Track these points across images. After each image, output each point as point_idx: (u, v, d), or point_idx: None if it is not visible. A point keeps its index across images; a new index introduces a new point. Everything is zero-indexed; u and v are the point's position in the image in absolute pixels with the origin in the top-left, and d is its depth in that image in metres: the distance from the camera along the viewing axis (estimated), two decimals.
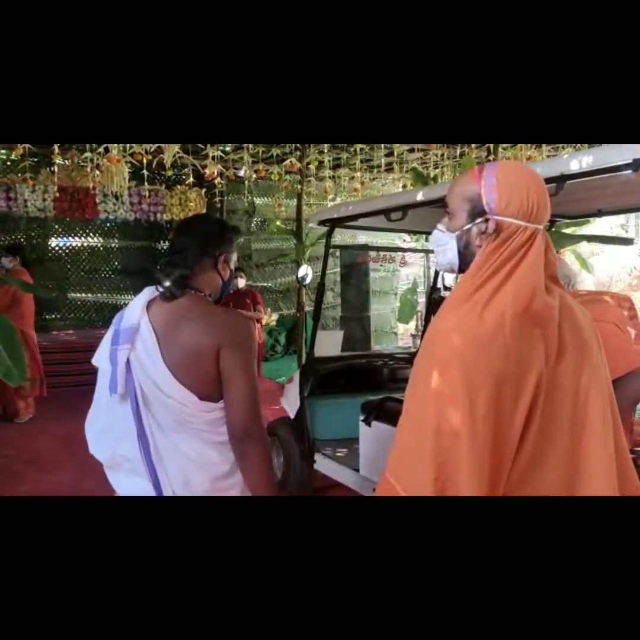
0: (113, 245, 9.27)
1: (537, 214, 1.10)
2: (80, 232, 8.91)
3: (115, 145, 4.90)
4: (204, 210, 7.77)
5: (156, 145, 4.91)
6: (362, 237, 9.50)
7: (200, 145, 5.32)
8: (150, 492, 1.51)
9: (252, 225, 10.32)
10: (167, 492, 1.50)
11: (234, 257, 1.65)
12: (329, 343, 4.13)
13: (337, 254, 9.18)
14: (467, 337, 1.03)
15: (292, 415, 3.73)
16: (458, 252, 1.15)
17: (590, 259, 8.44)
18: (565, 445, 1.04)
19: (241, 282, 6.41)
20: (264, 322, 8.96)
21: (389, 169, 7.69)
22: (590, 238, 5.41)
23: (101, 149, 5.14)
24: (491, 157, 5.50)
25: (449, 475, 1.00)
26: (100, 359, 1.56)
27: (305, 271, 3.95)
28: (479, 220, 1.11)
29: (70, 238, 8.84)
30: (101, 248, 9.16)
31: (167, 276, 1.54)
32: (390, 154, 6.82)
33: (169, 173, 5.57)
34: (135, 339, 1.50)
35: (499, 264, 1.07)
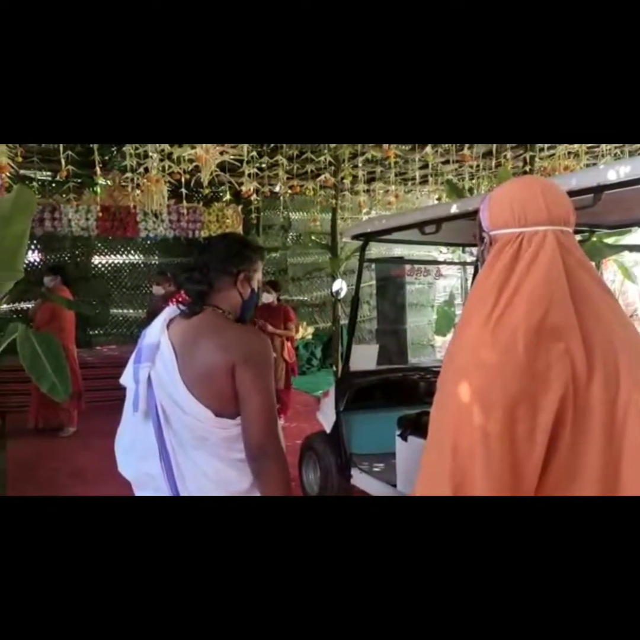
0: (153, 262, 9.48)
1: (529, 215, 1.07)
2: (122, 250, 9.16)
3: (155, 165, 5.04)
4: (241, 227, 7.90)
5: (194, 164, 5.03)
6: (398, 250, 9.48)
7: (236, 162, 5.43)
8: None
9: (288, 240, 10.43)
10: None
11: (257, 276, 1.65)
12: (365, 357, 4.12)
13: (372, 267, 9.19)
14: (480, 356, 1.01)
15: (328, 429, 3.73)
16: (475, 272, 1.19)
17: (633, 268, 8.22)
18: (600, 463, 1.01)
19: (270, 297, 6.39)
20: (299, 336, 9.02)
21: (424, 181, 7.67)
22: (633, 247, 5.27)
23: (141, 169, 5.29)
24: (528, 168, 5.43)
25: (466, 494, 0.99)
26: (126, 377, 1.59)
27: (340, 285, 3.97)
28: (484, 240, 1.15)
29: (112, 256, 9.10)
30: (142, 265, 9.38)
31: (186, 293, 1.56)
32: (425, 166, 6.81)
33: (207, 191, 5.69)
34: (156, 357, 1.52)
35: (503, 276, 1.05)
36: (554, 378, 0.99)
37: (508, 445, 0.98)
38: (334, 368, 7.43)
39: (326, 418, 3.80)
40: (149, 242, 9.00)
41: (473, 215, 2.50)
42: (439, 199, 8.22)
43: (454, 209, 2.62)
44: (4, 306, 4.21)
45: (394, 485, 3.04)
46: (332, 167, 6.40)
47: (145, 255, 9.39)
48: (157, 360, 1.53)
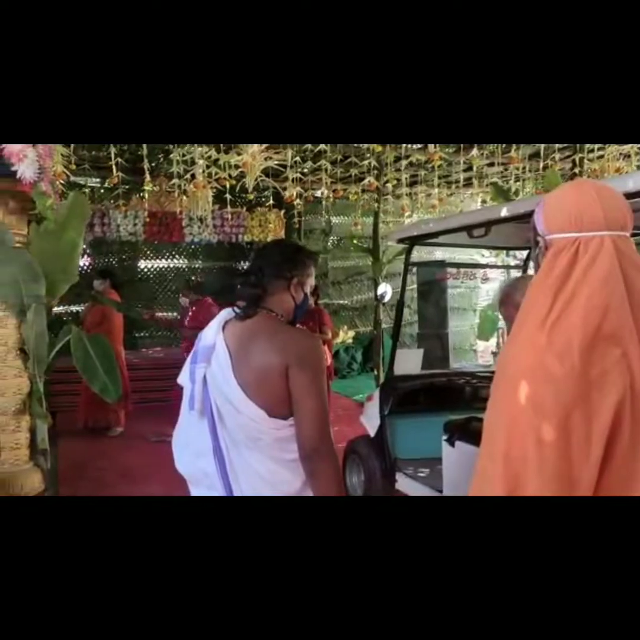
0: (197, 266, 9.66)
1: (585, 220, 1.06)
2: (167, 254, 9.36)
3: (201, 171, 5.15)
4: (283, 231, 7.97)
5: (239, 170, 5.11)
6: (439, 253, 9.40)
7: (280, 168, 5.49)
8: None
9: (329, 244, 10.47)
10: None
11: (309, 280, 1.67)
12: (409, 361, 4.10)
13: (414, 270, 9.13)
14: (534, 361, 1.01)
15: (372, 434, 3.72)
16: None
17: None
18: None
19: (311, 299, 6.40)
20: (339, 339, 9.02)
21: (468, 184, 7.59)
22: None
23: (188, 176, 5.41)
24: (577, 170, 5.32)
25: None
26: (183, 377, 1.65)
27: (385, 289, 3.97)
28: (539, 244, 1.14)
29: (158, 260, 9.30)
30: (186, 269, 9.57)
31: (241, 296, 1.62)
32: (469, 168, 6.74)
33: (251, 196, 5.77)
34: (211, 357, 1.57)
35: (559, 281, 1.04)
36: (610, 384, 0.99)
37: (562, 452, 0.97)
38: (375, 372, 7.41)
39: (370, 422, 3.79)
40: (193, 246, 9.18)
41: (524, 218, 2.47)
42: (483, 202, 8.12)
43: (504, 212, 2.59)
44: (57, 308, 4.35)
45: (440, 491, 3.01)
46: (376, 171, 6.40)
47: (190, 259, 9.57)
48: (213, 361, 1.58)
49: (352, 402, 7.61)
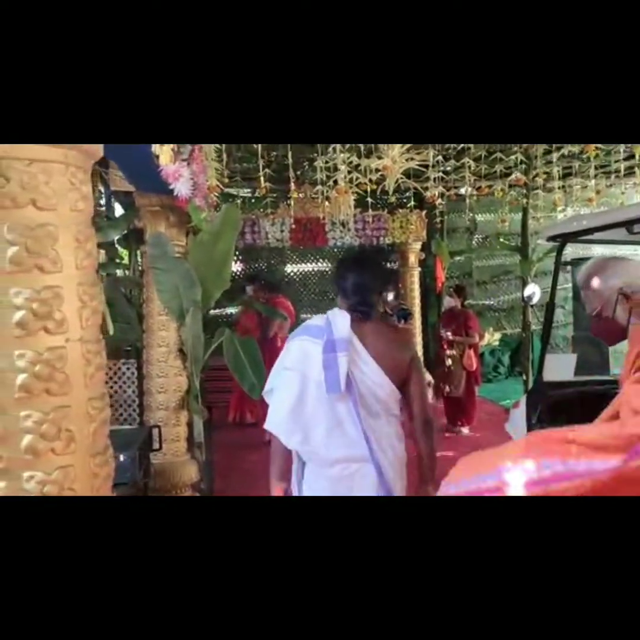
0: None
1: None
2: (311, 258, 9.69)
3: (343, 176, 5.26)
4: (425, 232, 7.86)
5: (380, 173, 5.15)
6: (598, 249, 8.66)
7: (421, 168, 5.43)
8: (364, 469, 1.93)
9: (473, 242, 10.14)
10: (385, 466, 1.94)
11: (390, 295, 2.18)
12: (560, 366, 3.83)
13: (568, 269, 8.51)
14: None
15: None
16: None
17: None
18: None
19: (452, 302, 6.23)
20: (485, 342, 8.68)
21: (630, 173, 6.90)
22: None
23: (331, 182, 5.56)
24: None
25: None
26: (308, 367, 1.96)
27: (532, 290, 3.75)
28: None
29: (302, 264, 9.67)
30: (329, 272, 9.83)
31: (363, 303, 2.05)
32: (630, 157, 6.13)
33: (392, 198, 5.77)
34: (351, 351, 1.93)
35: None
36: None
37: None
38: (524, 377, 7.02)
39: (516, 430, 3.60)
40: (336, 250, 9.40)
41: None
42: None
43: None
44: (213, 312, 4.70)
45: None
46: (523, 165, 6.07)
47: (333, 262, 9.82)
48: (353, 352, 1.94)
49: (498, 408, 7.30)
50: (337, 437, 1.91)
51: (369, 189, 5.24)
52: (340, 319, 1.98)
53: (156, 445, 3.33)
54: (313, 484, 1.98)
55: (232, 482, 4.35)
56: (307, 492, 1.97)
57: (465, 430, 6.33)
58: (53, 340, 0.97)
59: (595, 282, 1.84)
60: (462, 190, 6.76)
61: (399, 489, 2.00)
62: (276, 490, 1.99)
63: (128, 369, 4.49)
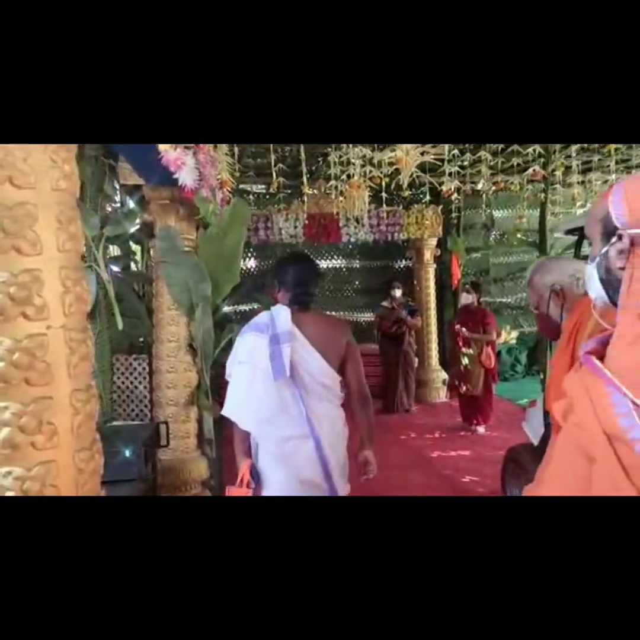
0: (354, 265, 9.79)
1: None
2: (326, 255, 9.61)
3: (357, 171, 5.18)
4: (441, 228, 7.75)
5: (394, 167, 5.05)
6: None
7: (437, 162, 5.32)
8: (306, 447, 2.18)
9: (490, 239, 9.99)
10: (323, 442, 2.18)
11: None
12: None
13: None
14: None
15: (535, 442, 3.44)
16: (600, 281, 1.00)
17: None
18: None
19: (469, 298, 6.15)
20: (502, 340, 8.54)
21: None
22: None
23: (344, 176, 5.48)
24: None
25: None
26: (259, 359, 2.17)
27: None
28: (613, 240, 0.96)
29: (317, 261, 9.58)
30: (343, 269, 9.75)
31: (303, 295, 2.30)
32: None
33: (407, 193, 5.67)
34: (293, 341, 2.17)
35: None
36: None
37: None
38: (542, 376, 6.88)
39: (533, 430, 3.50)
40: (350, 246, 9.32)
41: None
42: None
43: None
44: (226, 308, 4.65)
45: None
46: (542, 159, 5.93)
47: (347, 259, 9.74)
48: (294, 342, 2.18)
49: (515, 407, 7.17)
50: (283, 418, 2.17)
51: (383, 184, 5.16)
52: (282, 314, 2.23)
53: (163, 442, 3.28)
54: (263, 459, 2.25)
55: None
56: (261, 467, 2.25)
57: (481, 429, 6.21)
58: (33, 327, 0.91)
59: (534, 280, 2.01)
60: (479, 185, 6.62)
61: (334, 461, 2.24)
62: (243, 466, 2.23)
63: (139, 364, 4.45)
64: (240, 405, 2.21)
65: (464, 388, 6.08)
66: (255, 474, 2.21)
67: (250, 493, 2.16)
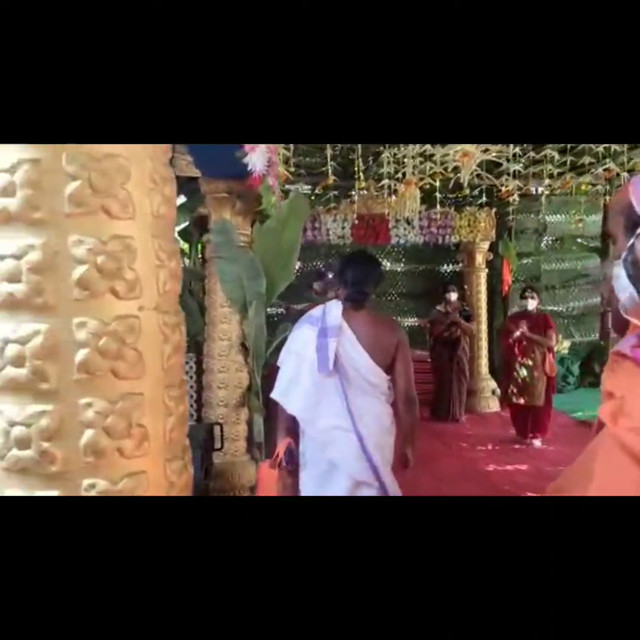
0: (399, 269, 9.56)
1: None
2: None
3: (412, 168, 4.97)
4: (493, 231, 7.46)
5: (453, 165, 4.82)
6: None
7: (498, 160, 5.07)
8: (350, 439, 2.22)
9: (542, 244, 9.64)
10: (368, 440, 2.21)
11: None
12: None
13: None
14: None
15: None
16: (629, 277, 0.93)
17: None
18: None
19: (533, 304, 5.92)
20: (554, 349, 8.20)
21: None
22: None
23: (399, 175, 5.28)
24: None
25: None
26: (305, 350, 2.29)
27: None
28: (638, 231, 0.91)
29: (380, 264, 9.38)
30: (388, 272, 9.52)
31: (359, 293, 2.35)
32: None
33: (465, 192, 5.42)
34: (340, 335, 2.26)
35: None
36: None
37: None
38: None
39: None
40: (396, 248, 9.09)
41: None
42: None
43: None
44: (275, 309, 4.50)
45: None
46: (606, 160, 5.61)
47: (392, 262, 9.52)
48: (342, 337, 2.27)
49: (570, 420, 6.81)
50: (325, 407, 2.23)
51: (438, 184, 4.94)
52: (334, 309, 2.33)
53: (217, 445, 3.12)
54: (307, 443, 2.32)
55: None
56: (303, 449, 2.34)
57: (537, 442, 5.89)
58: (123, 307, 0.74)
59: (608, 275, 1.95)
60: (545, 183, 6.29)
61: (382, 460, 2.26)
62: (281, 445, 2.32)
63: (186, 363, 4.33)
64: (288, 391, 2.33)
65: (523, 400, 5.78)
66: (289, 454, 2.29)
67: (276, 474, 2.36)
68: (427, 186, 5.04)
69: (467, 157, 4.37)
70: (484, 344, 7.76)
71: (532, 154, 5.31)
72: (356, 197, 6.62)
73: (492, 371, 7.90)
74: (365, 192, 6.99)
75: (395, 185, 5.45)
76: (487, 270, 7.76)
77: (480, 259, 7.62)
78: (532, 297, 5.90)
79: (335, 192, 7.13)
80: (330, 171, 4.73)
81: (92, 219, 0.74)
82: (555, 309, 9.68)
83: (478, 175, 5.07)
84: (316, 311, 2.39)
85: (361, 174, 5.33)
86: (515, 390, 5.89)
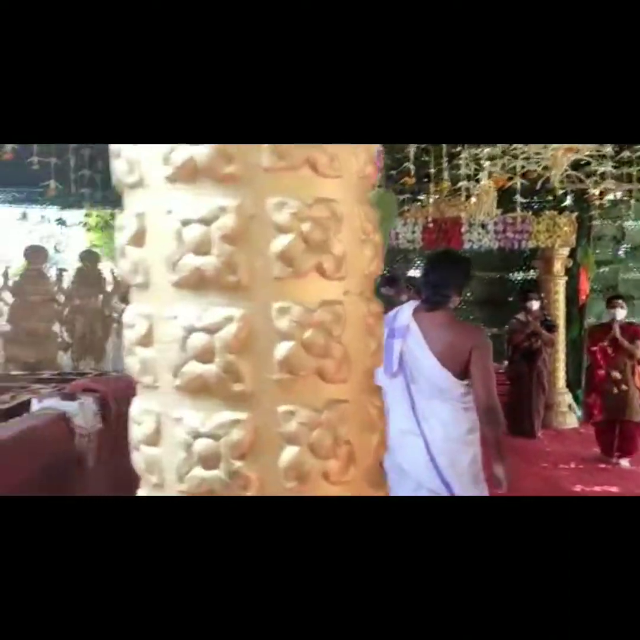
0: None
1: None
2: None
3: (497, 167, 4.71)
4: (574, 237, 7.08)
5: (542, 165, 4.54)
6: None
7: (588, 159, 4.75)
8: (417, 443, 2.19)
9: (620, 252, 9.12)
10: (434, 445, 2.18)
11: None
12: None
13: None
14: None
15: None
16: None
17: None
18: None
19: (622, 314, 5.62)
20: None
21: None
22: None
23: (480, 175, 5.03)
24: None
25: None
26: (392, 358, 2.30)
27: None
28: None
29: (468, 267, 9.09)
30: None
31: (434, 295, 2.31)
32: None
33: (557, 192, 5.10)
34: (407, 335, 2.25)
35: None
36: None
37: None
38: None
39: None
40: (469, 254, 8.79)
41: None
42: None
43: None
44: None
45: None
46: None
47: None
48: (408, 338, 2.26)
49: None
50: (393, 409, 2.13)
51: (519, 185, 4.67)
52: (406, 310, 2.33)
53: None
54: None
55: None
56: None
57: (625, 462, 5.49)
58: (329, 290, 0.57)
59: None
60: (624, 188, 5.91)
61: (450, 469, 2.18)
62: None
63: None
64: None
65: (610, 415, 5.42)
66: None
67: None
68: (507, 187, 4.78)
69: (562, 152, 4.07)
70: (561, 356, 7.36)
71: (627, 153, 4.94)
72: (430, 200, 6.39)
73: (568, 385, 7.48)
74: (438, 195, 6.75)
75: (473, 187, 5.20)
76: (566, 278, 7.37)
77: (558, 266, 7.24)
78: (622, 307, 5.58)
79: (408, 195, 6.92)
80: (412, 171, 4.53)
81: (294, 175, 0.57)
82: (635, 321, 9.16)
83: (567, 176, 4.76)
84: (391, 311, 2.36)
85: (440, 175, 5.11)
86: (601, 404, 5.52)
